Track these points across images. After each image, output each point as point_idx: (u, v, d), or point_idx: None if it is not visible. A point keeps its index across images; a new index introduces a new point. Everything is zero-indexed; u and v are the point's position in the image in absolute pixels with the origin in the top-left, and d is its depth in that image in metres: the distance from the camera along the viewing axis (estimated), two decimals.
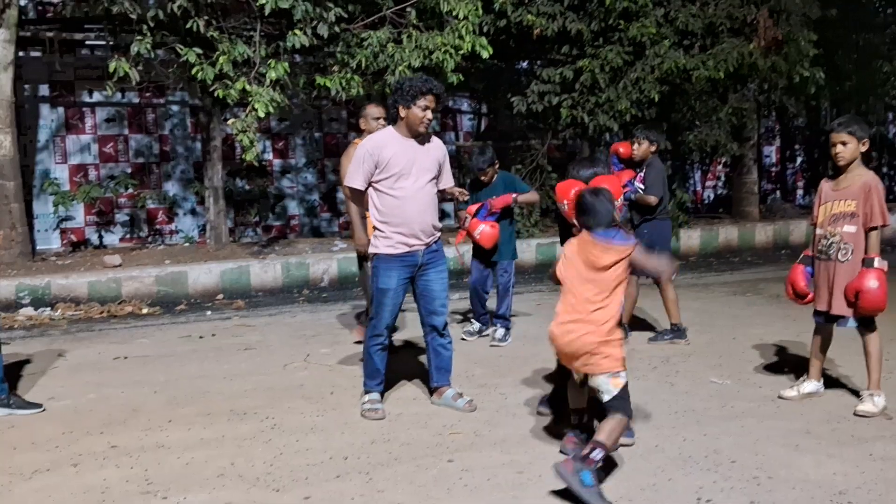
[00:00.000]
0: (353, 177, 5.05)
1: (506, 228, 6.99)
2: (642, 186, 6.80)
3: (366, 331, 5.31)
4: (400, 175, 4.98)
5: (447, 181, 5.35)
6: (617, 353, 4.02)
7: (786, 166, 18.56)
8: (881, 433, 4.56)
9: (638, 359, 6.23)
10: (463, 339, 7.08)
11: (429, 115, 5.00)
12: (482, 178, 7.03)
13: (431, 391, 5.39)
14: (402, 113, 5.01)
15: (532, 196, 7.21)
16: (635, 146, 6.83)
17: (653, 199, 6.72)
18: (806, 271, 5.15)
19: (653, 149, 6.81)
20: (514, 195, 6.89)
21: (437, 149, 5.22)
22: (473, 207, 6.87)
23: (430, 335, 5.29)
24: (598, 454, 3.76)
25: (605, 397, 4.00)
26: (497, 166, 7.07)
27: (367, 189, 5.07)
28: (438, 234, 5.22)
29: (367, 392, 5.20)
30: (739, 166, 15.18)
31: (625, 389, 4.01)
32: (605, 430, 3.90)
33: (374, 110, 6.56)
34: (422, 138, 5.10)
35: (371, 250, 5.15)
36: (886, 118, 18.67)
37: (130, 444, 4.60)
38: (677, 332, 6.86)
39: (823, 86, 13.58)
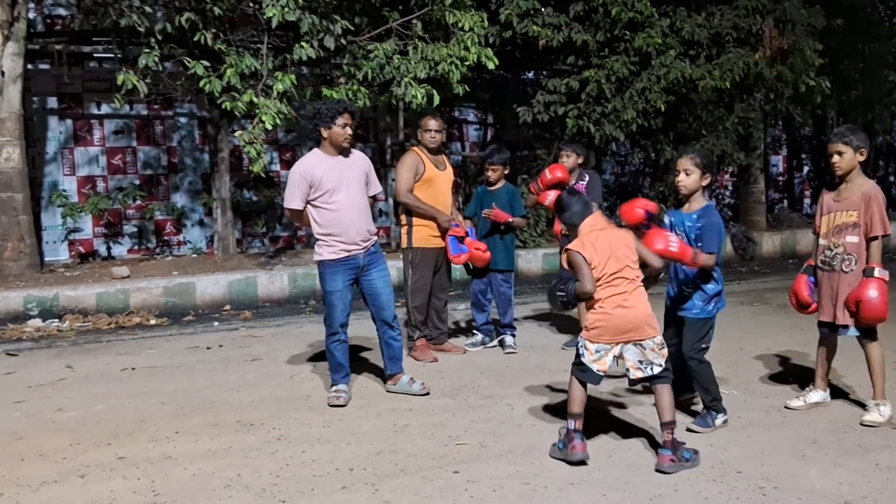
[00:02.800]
0: (291, 199, 5.62)
1: (499, 240, 7.11)
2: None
3: (325, 331, 5.77)
4: (333, 190, 5.57)
5: (374, 188, 5.92)
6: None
7: (793, 176, 18.54)
8: (887, 443, 4.56)
9: None
10: (466, 351, 7.15)
11: (348, 130, 5.60)
12: (489, 172, 7.21)
13: (385, 380, 5.94)
14: (325, 133, 5.61)
15: (522, 222, 7.46)
16: (564, 159, 7.12)
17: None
18: (809, 281, 5.15)
19: (580, 161, 7.17)
20: (510, 217, 7.05)
21: (361, 161, 5.84)
22: (461, 230, 6.90)
23: (382, 328, 5.88)
24: (676, 433, 4.32)
25: (656, 369, 4.34)
26: (506, 172, 7.25)
27: (304, 208, 5.62)
28: (374, 237, 5.82)
29: (332, 385, 5.74)
30: (746, 176, 15.19)
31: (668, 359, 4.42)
32: (669, 405, 4.35)
33: (432, 123, 6.87)
34: (346, 153, 5.71)
35: (315, 258, 5.73)
36: (893, 127, 18.65)
37: (138, 455, 4.62)
38: None
39: (829, 95, 13.57)
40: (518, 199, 7.29)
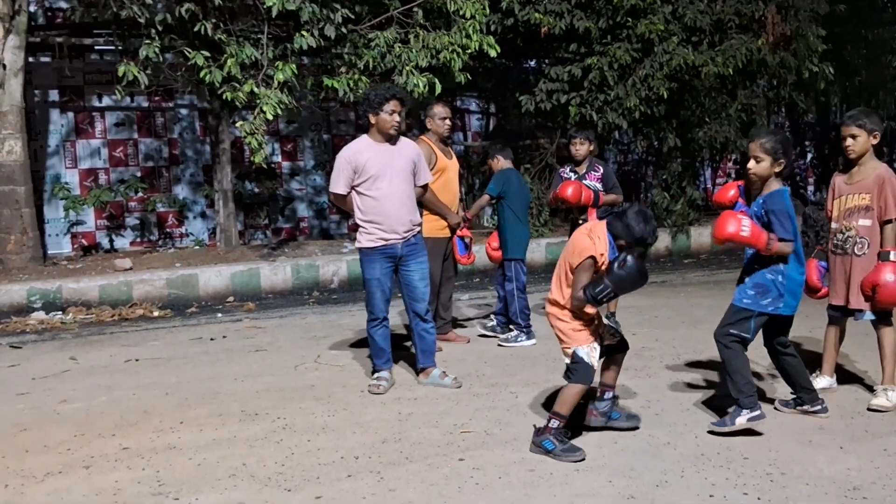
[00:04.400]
0: (336, 183, 5.59)
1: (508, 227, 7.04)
2: (599, 186, 6.95)
3: (367, 316, 5.74)
4: (376, 177, 5.49)
5: (424, 177, 5.85)
6: None
7: (797, 162, 18.46)
8: (895, 428, 4.53)
9: (649, 356, 6.23)
10: (481, 335, 7.18)
11: (396, 118, 5.50)
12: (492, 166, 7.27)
13: (418, 373, 5.82)
14: (373, 120, 5.53)
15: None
16: (578, 147, 7.16)
17: (620, 198, 7.16)
18: (819, 266, 5.13)
19: (592, 149, 7.17)
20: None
21: (409, 149, 5.72)
22: (468, 232, 6.95)
23: (415, 320, 5.77)
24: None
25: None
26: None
27: (349, 193, 5.58)
28: (417, 228, 5.72)
29: (374, 371, 5.74)
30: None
31: None
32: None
33: (440, 110, 6.74)
34: (394, 141, 5.60)
35: (356, 244, 5.69)
36: None
37: (142, 445, 4.61)
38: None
39: (833, 81, 13.53)
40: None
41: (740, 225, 4.35)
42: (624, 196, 7.50)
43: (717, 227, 4.40)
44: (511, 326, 7.03)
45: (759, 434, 4.43)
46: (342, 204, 5.74)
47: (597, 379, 4.55)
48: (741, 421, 4.37)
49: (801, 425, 4.58)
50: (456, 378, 5.65)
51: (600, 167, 7.13)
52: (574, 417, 4.40)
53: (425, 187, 5.94)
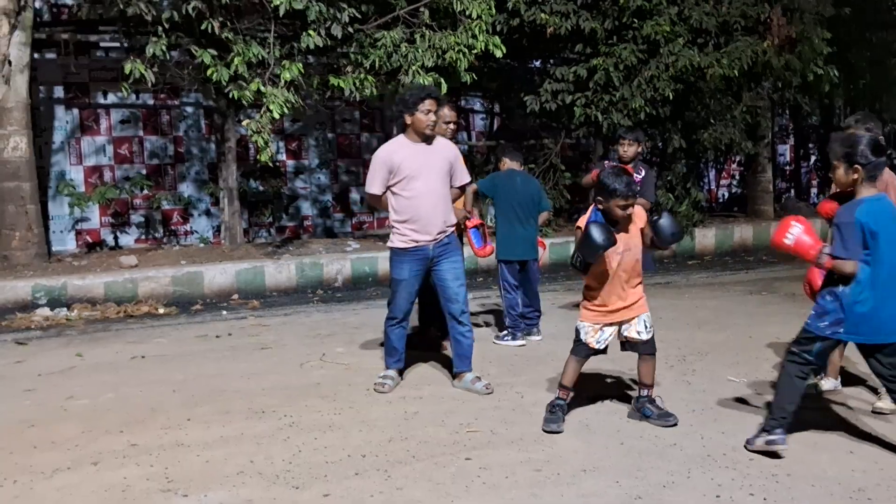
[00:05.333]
0: (372, 183, 5.54)
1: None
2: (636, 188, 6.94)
3: (386, 314, 5.75)
4: (410, 177, 5.42)
5: (461, 178, 5.73)
6: None
7: (800, 165, 18.49)
8: None
9: None
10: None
11: (432, 117, 5.43)
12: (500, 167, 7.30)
13: (454, 376, 5.72)
14: (409, 120, 5.46)
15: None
16: (626, 148, 7.12)
17: (648, 204, 6.96)
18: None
19: (640, 149, 7.14)
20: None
21: (446, 149, 5.63)
22: (478, 220, 6.83)
23: (451, 323, 5.66)
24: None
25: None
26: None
27: (384, 193, 5.53)
28: (450, 229, 5.60)
29: (385, 368, 5.74)
30: (754, 165, 15.15)
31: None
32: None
33: (446, 113, 6.50)
34: (430, 141, 5.52)
35: (388, 244, 5.64)
36: None
37: (150, 442, 4.62)
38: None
39: (837, 84, 13.55)
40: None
41: (785, 232, 4.06)
42: None
43: (777, 229, 4.17)
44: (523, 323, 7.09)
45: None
46: (377, 204, 5.69)
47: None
48: (759, 443, 4.21)
49: (806, 427, 4.59)
50: (488, 385, 5.52)
51: (643, 170, 7.11)
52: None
53: (463, 188, 5.87)
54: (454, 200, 5.81)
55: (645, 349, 4.79)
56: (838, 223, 4.00)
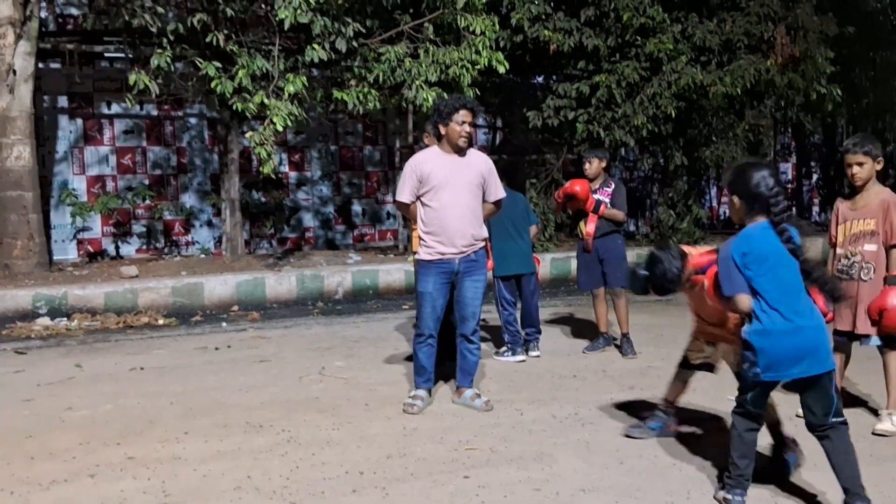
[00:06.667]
0: (401, 192, 5.48)
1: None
2: (607, 200, 7.07)
3: (415, 331, 5.64)
4: (438, 188, 5.34)
5: (495, 193, 5.62)
6: None
7: (802, 183, 18.51)
8: None
9: (655, 375, 6.21)
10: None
11: (466, 128, 5.35)
12: None
13: (454, 391, 5.70)
14: (442, 131, 5.39)
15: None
16: (587, 166, 7.13)
17: (622, 215, 7.12)
18: None
19: (604, 166, 7.15)
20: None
21: (480, 163, 5.53)
22: None
23: (459, 339, 5.60)
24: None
25: None
26: None
27: (413, 203, 5.47)
28: (479, 244, 5.51)
29: (415, 388, 5.58)
30: None
31: None
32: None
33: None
34: (463, 153, 5.44)
35: (416, 257, 5.62)
36: None
37: (147, 455, 4.60)
38: (607, 340, 7.26)
39: (840, 103, 13.57)
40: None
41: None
42: (630, 213, 7.54)
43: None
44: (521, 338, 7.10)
45: (762, 457, 4.40)
46: (406, 213, 5.65)
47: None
48: (720, 495, 3.85)
49: (805, 449, 4.56)
50: (488, 401, 5.47)
51: (612, 184, 7.15)
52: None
53: (498, 204, 5.72)
54: (488, 216, 5.73)
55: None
56: (718, 259, 3.81)
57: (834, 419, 3.71)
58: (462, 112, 5.31)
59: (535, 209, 12.33)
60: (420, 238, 5.48)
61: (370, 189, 14.64)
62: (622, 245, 7.17)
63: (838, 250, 5.07)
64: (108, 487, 4.13)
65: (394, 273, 10.89)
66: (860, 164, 4.90)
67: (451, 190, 5.35)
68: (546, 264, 11.81)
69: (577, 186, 6.95)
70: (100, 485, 4.17)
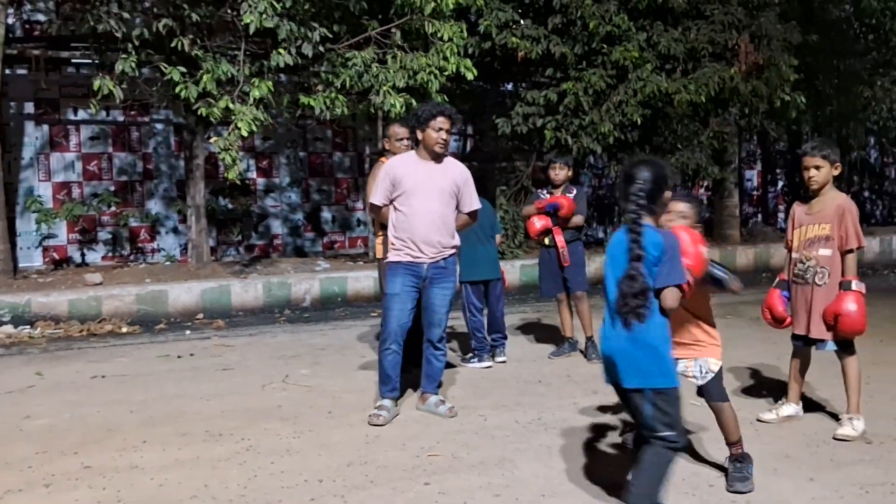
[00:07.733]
0: (375, 194, 5.53)
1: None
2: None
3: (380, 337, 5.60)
4: (409, 193, 5.34)
5: (469, 204, 5.61)
6: None
7: (767, 190, 18.69)
8: (860, 457, 4.56)
9: None
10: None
11: (443, 135, 5.36)
12: None
13: (419, 397, 5.67)
14: (420, 136, 5.42)
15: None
16: (557, 172, 7.16)
17: (582, 220, 7.25)
18: (782, 295, 5.15)
19: (570, 173, 7.23)
20: None
21: (456, 172, 5.53)
22: None
23: (426, 344, 5.60)
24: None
25: None
26: None
27: (385, 206, 5.48)
28: (448, 251, 5.50)
29: (380, 398, 5.48)
30: (721, 190, 15.28)
31: None
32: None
33: (398, 130, 6.47)
34: (440, 160, 5.45)
35: (385, 260, 5.58)
36: (867, 143, 18.85)
37: (104, 464, 4.55)
38: (573, 345, 7.30)
39: (804, 110, 13.71)
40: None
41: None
42: (598, 220, 7.57)
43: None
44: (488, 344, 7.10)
45: (724, 461, 4.43)
46: (377, 215, 5.69)
47: None
48: None
49: (767, 453, 4.60)
50: (452, 408, 5.48)
51: (574, 189, 7.21)
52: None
53: (473, 215, 5.70)
54: (462, 227, 5.69)
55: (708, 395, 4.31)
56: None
57: (653, 434, 3.49)
58: (440, 119, 5.32)
59: (505, 216, 12.38)
60: (391, 241, 5.46)
61: (340, 196, 14.58)
62: (582, 251, 7.28)
63: (793, 254, 5.11)
64: (63, 497, 4.08)
65: (363, 280, 10.85)
66: (817, 168, 4.95)
67: (422, 196, 5.34)
68: (515, 271, 11.84)
69: (562, 201, 6.99)
70: (54, 495, 4.12)
